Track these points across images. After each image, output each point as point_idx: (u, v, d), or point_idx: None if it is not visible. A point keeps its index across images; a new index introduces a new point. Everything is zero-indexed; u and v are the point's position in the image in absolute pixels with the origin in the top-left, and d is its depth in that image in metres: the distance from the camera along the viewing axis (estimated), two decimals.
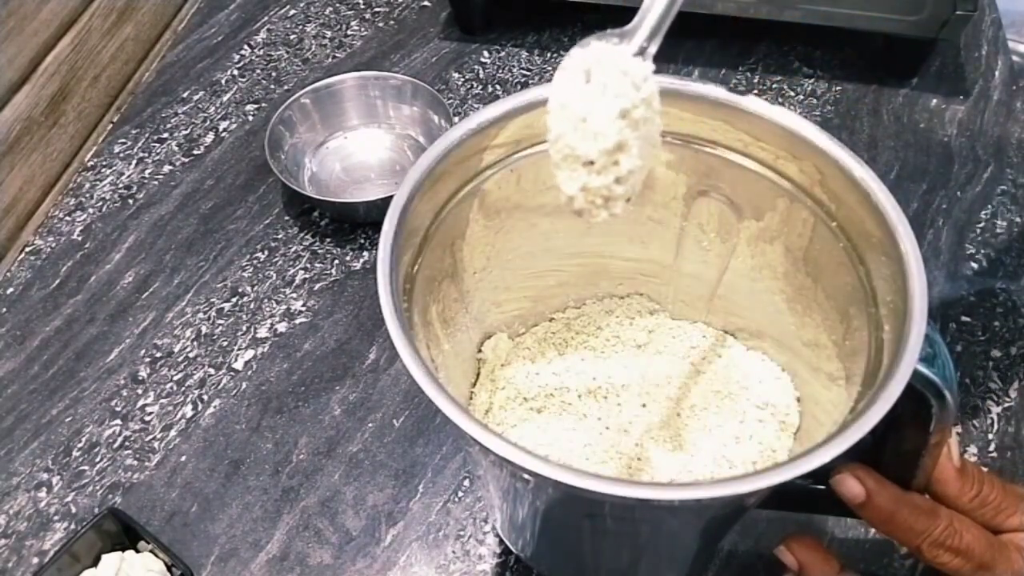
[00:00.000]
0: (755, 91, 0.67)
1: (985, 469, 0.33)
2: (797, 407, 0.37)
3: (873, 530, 0.44)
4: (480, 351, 0.40)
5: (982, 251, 0.57)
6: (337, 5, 0.76)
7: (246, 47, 0.72)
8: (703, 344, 0.41)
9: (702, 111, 0.33)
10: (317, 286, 0.56)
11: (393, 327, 0.27)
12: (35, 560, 0.45)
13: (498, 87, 0.68)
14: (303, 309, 0.55)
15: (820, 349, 0.35)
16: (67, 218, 0.61)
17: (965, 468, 0.32)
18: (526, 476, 0.27)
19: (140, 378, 0.52)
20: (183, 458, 0.48)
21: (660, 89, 0.32)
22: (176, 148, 0.65)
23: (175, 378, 0.52)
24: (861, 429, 0.25)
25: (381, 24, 0.74)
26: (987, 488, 0.32)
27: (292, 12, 0.75)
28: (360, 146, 0.64)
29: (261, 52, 0.72)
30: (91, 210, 0.61)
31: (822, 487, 0.32)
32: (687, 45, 0.71)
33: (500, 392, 0.39)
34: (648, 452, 0.37)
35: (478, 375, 0.40)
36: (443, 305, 0.35)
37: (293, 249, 0.58)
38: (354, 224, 0.59)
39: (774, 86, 0.67)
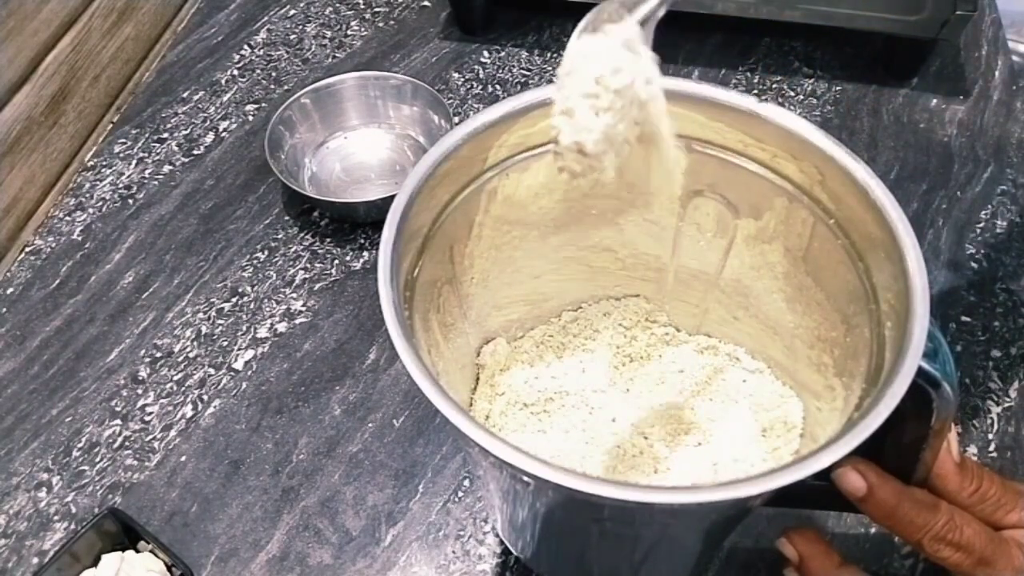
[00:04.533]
0: (755, 91, 0.67)
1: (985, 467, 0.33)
2: (799, 406, 0.37)
3: (873, 529, 0.44)
4: (478, 356, 0.40)
5: (982, 251, 0.57)
6: (337, 5, 0.76)
7: (246, 47, 0.72)
8: (702, 344, 0.41)
9: (700, 111, 0.33)
10: (317, 286, 0.56)
11: (396, 335, 0.27)
12: (35, 560, 0.45)
13: (498, 87, 0.68)
14: (303, 309, 0.55)
15: (821, 348, 0.35)
16: (67, 218, 0.61)
17: (965, 464, 0.32)
18: (526, 479, 0.27)
19: (140, 378, 0.52)
20: (183, 458, 0.49)
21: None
22: (176, 148, 0.65)
23: (175, 378, 0.52)
24: (869, 427, 0.25)
25: (381, 24, 0.74)
26: (987, 484, 0.32)
27: (292, 12, 0.75)
28: (360, 146, 0.64)
29: (261, 52, 0.72)
30: (91, 210, 0.61)
31: (823, 483, 0.32)
32: (687, 45, 0.70)
33: (500, 398, 0.39)
34: (648, 455, 0.37)
35: (477, 380, 0.40)
36: (443, 310, 0.35)
37: (293, 249, 0.58)
38: (354, 224, 0.59)
39: (774, 86, 0.67)
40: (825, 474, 0.32)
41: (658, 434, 0.37)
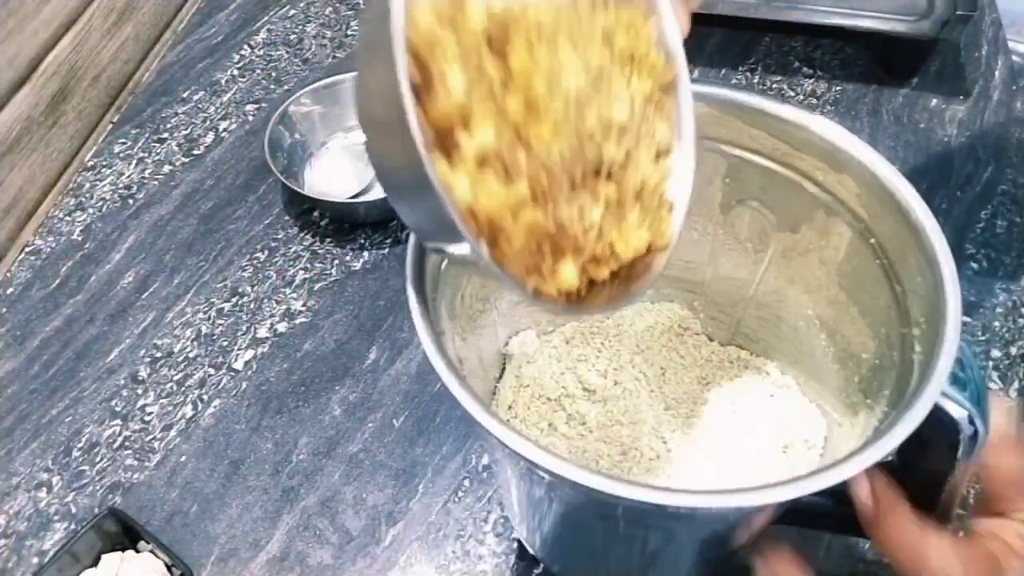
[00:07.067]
0: (755, 91, 0.67)
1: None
2: (822, 425, 0.37)
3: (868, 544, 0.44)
4: (507, 345, 0.39)
5: (982, 251, 0.57)
6: (337, 5, 0.76)
7: (246, 47, 0.72)
8: (732, 356, 0.41)
9: (742, 118, 0.33)
10: (317, 286, 0.56)
11: (419, 321, 0.27)
12: (35, 560, 0.45)
13: None
14: (303, 309, 0.55)
15: (851, 368, 0.34)
16: (67, 218, 0.61)
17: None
18: (541, 473, 0.27)
19: (140, 378, 0.52)
20: (183, 458, 0.48)
21: (700, 93, 0.31)
22: (176, 148, 0.65)
23: (175, 378, 0.52)
24: (882, 449, 0.24)
25: None
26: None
27: (292, 12, 0.75)
28: (360, 146, 0.64)
29: (261, 52, 0.72)
30: (91, 210, 0.61)
31: (837, 504, 0.31)
32: (687, 45, 0.70)
33: (524, 390, 0.39)
34: (664, 460, 0.37)
35: (503, 370, 0.39)
36: (469, 300, 0.34)
37: (293, 249, 0.58)
38: (354, 224, 0.59)
39: (774, 86, 0.67)
40: (838, 494, 0.31)
41: (677, 440, 0.37)
